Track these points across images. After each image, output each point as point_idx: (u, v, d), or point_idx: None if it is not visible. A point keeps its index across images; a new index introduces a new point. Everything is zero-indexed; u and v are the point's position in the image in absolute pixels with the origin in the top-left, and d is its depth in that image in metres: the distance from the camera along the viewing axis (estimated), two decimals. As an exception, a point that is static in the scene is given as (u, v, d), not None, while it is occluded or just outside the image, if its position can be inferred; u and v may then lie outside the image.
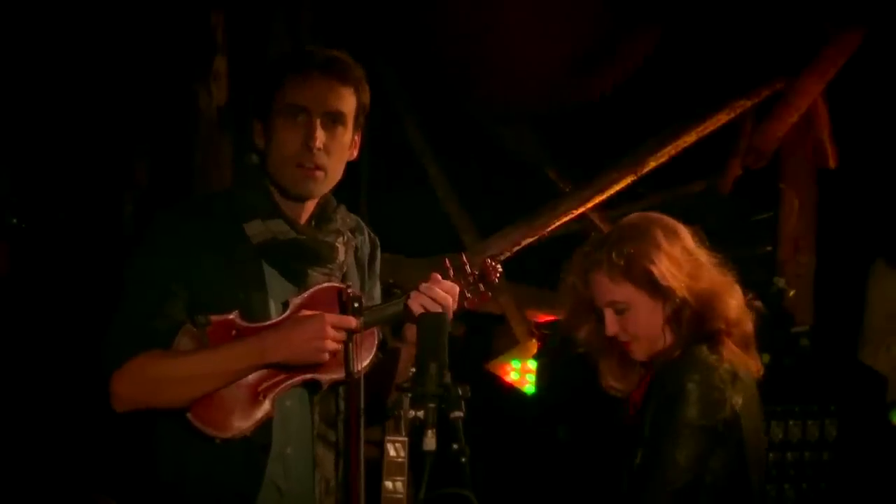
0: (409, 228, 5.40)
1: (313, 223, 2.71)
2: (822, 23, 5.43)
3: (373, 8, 5.53)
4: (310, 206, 2.70)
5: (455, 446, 2.20)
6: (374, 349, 2.69)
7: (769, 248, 5.79)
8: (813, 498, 4.79)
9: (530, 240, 5.52)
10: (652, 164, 5.54)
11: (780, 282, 5.22)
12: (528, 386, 6.01)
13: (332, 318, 2.54)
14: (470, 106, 5.91)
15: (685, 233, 2.80)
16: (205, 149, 4.88)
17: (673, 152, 5.54)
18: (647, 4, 5.50)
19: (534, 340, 5.94)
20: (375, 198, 5.49)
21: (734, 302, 2.74)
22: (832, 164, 5.72)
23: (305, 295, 2.61)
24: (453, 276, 2.71)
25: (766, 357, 2.88)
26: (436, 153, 5.99)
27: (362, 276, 2.81)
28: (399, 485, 2.26)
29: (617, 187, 5.59)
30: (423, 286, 2.64)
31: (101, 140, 4.98)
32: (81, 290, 4.67)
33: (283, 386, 2.57)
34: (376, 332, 2.71)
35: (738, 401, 2.64)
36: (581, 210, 5.65)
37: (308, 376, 2.58)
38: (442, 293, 2.63)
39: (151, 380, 2.51)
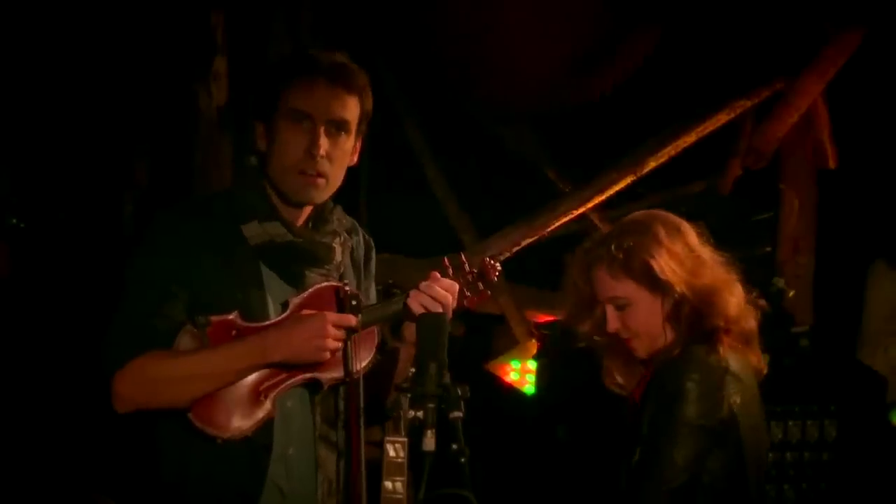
0: (409, 229, 5.41)
1: (310, 225, 2.72)
2: (822, 23, 5.43)
3: (372, 8, 5.53)
4: (307, 208, 2.71)
5: (454, 446, 2.20)
6: (374, 349, 2.69)
7: (769, 249, 5.79)
8: (813, 498, 4.78)
9: (530, 240, 5.52)
10: (652, 164, 5.54)
11: (780, 282, 5.21)
12: (528, 386, 6.01)
13: (333, 316, 2.55)
14: (470, 106, 5.91)
15: (688, 230, 2.80)
16: (205, 149, 4.89)
17: (673, 152, 5.54)
18: (647, 4, 5.50)
19: (533, 340, 5.94)
20: (375, 198, 5.49)
21: (734, 299, 2.74)
22: (832, 164, 5.72)
23: (304, 295, 2.61)
24: (452, 275, 2.71)
25: (766, 357, 2.88)
26: (435, 153, 5.99)
27: (358, 277, 2.81)
28: (399, 485, 2.26)
29: (617, 187, 5.59)
30: (423, 285, 2.65)
31: (101, 140, 4.98)
32: (82, 291, 4.67)
33: (283, 385, 2.57)
34: (376, 332, 2.71)
35: (736, 400, 2.64)
36: (581, 210, 5.65)
37: (308, 375, 2.58)
38: (442, 291, 2.63)
39: (153, 380, 2.51)
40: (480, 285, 2.77)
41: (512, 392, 6.03)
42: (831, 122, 5.68)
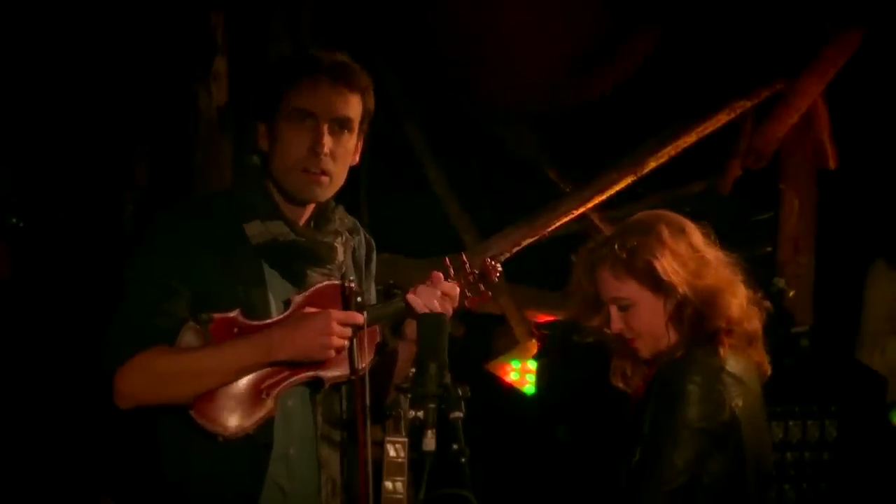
0: (410, 229, 5.42)
1: (312, 224, 2.72)
2: (822, 23, 5.43)
3: (373, 8, 5.53)
4: (309, 207, 2.71)
5: (455, 447, 2.21)
6: (375, 349, 2.69)
7: (769, 249, 5.79)
8: (813, 498, 4.78)
9: (530, 240, 5.52)
10: (652, 165, 5.54)
11: (780, 282, 5.21)
12: (528, 386, 6.01)
13: (338, 314, 2.55)
14: (470, 106, 5.91)
15: (693, 230, 2.79)
16: (205, 149, 4.89)
17: (673, 152, 5.54)
18: (647, 4, 5.50)
19: (533, 341, 5.94)
20: (376, 198, 5.49)
21: (736, 300, 2.74)
22: (832, 164, 5.72)
23: (307, 293, 2.61)
24: (453, 275, 2.72)
25: (767, 357, 2.88)
26: (436, 153, 5.99)
27: (359, 277, 2.81)
28: (399, 485, 2.26)
29: (617, 187, 5.59)
30: (424, 286, 2.65)
31: (101, 140, 4.98)
32: (82, 291, 4.67)
33: (286, 383, 2.57)
34: (378, 332, 2.71)
35: (738, 403, 2.64)
36: (581, 210, 5.65)
37: (311, 373, 2.58)
38: (442, 293, 2.64)
39: (156, 375, 2.51)
40: (481, 286, 2.78)
41: (512, 392, 6.03)
42: (831, 123, 5.68)
